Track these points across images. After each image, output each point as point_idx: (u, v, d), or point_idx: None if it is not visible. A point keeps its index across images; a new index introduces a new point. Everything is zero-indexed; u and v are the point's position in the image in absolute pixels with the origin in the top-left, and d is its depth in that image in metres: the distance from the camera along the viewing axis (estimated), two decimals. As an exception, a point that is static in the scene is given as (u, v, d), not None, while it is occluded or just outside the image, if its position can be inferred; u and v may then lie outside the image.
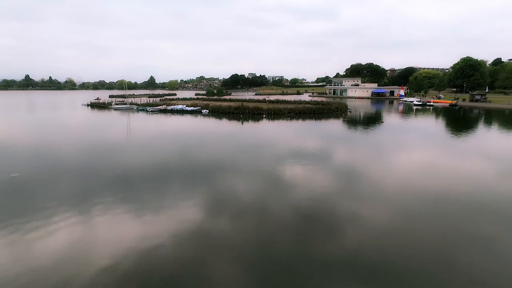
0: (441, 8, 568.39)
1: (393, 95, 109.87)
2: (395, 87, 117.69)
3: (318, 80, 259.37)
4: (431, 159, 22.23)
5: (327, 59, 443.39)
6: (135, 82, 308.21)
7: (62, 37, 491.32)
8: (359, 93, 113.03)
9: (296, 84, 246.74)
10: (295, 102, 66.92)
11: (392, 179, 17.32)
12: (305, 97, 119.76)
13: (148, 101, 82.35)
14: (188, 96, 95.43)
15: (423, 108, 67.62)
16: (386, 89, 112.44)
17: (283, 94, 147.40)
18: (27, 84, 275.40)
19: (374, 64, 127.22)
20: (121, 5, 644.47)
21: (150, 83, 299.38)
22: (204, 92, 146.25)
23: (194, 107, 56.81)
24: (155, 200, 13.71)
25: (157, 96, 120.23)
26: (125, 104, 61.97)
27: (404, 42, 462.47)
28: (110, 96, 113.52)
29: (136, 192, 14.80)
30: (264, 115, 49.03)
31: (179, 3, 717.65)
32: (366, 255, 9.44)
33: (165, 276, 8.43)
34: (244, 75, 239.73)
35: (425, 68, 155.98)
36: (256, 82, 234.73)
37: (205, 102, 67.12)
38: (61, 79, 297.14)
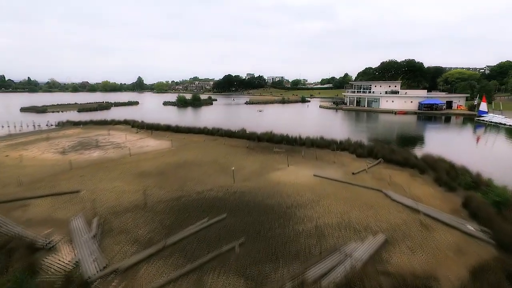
0: (442, 8, 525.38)
1: (451, 108, 71.62)
2: (444, 94, 79.48)
3: (323, 81, 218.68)
4: None
5: (328, 59, 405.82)
6: (121, 84, 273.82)
7: (58, 38, 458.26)
8: (399, 104, 74.56)
9: (298, 86, 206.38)
10: (321, 145, 26.86)
11: None
12: (315, 107, 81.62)
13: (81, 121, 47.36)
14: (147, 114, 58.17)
15: None
16: (441, 99, 73.90)
17: (283, 102, 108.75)
18: (0, 85, 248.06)
19: (417, 61, 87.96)
20: (118, 5, 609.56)
21: (138, 84, 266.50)
22: (193, 95, 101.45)
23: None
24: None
25: (97, 109, 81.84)
26: None
27: (404, 41, 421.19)
28: (22, 109, 75.94)
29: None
30: None
31: (175, 3, 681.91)
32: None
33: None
34: (239, 75, 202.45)
35: (456, 67, 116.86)
36: (253, 83, 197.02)
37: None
38: (44, 80, 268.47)
